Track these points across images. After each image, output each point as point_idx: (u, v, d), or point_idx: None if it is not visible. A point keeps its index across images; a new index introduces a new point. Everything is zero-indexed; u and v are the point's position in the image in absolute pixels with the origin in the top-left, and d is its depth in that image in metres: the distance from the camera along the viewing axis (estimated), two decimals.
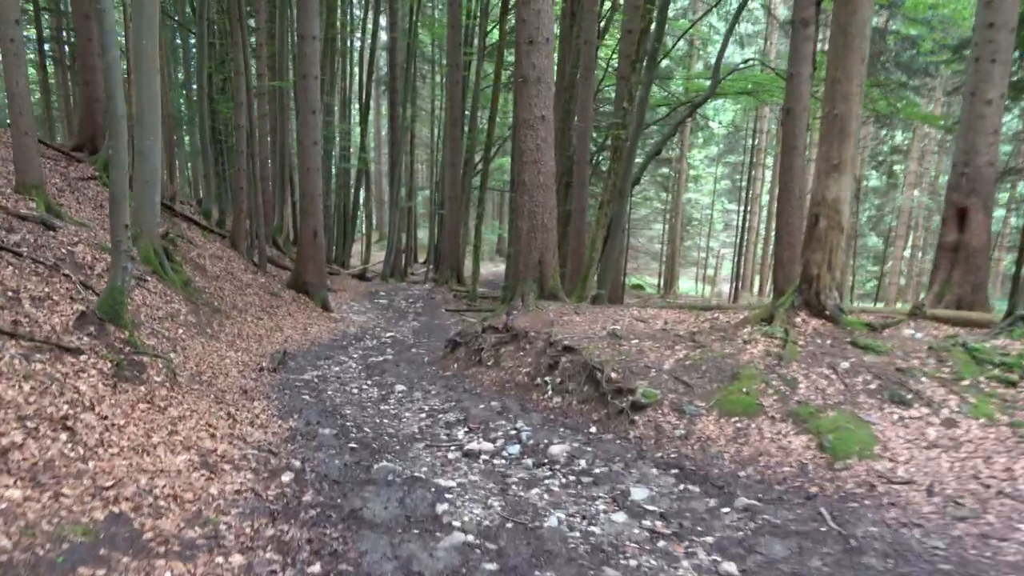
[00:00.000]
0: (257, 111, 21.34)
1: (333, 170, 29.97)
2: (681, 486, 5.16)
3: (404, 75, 28.26)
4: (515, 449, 6.18)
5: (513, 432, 6.75)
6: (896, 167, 33.92)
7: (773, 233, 35.01)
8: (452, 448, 6.28)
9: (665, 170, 32.74)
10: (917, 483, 4.76)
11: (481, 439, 6.60)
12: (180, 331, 9.98)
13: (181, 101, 27.02)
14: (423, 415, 7.65)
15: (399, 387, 9.08)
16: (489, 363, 9.46)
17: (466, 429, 7.00)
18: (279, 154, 22.95)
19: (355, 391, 9.03)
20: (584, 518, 4.62)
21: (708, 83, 18.80)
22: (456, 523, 4.38)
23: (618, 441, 6.19)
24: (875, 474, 4.93)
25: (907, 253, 35.79)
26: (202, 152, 19.61)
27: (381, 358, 11.80)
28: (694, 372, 6.70)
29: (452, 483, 5.22)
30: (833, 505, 4.67)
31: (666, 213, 33.55)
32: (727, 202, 41.13)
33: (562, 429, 6.75)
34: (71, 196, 12.66)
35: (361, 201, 33.26)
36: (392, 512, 4.49)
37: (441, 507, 4.62)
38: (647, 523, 4.54)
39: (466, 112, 25.80)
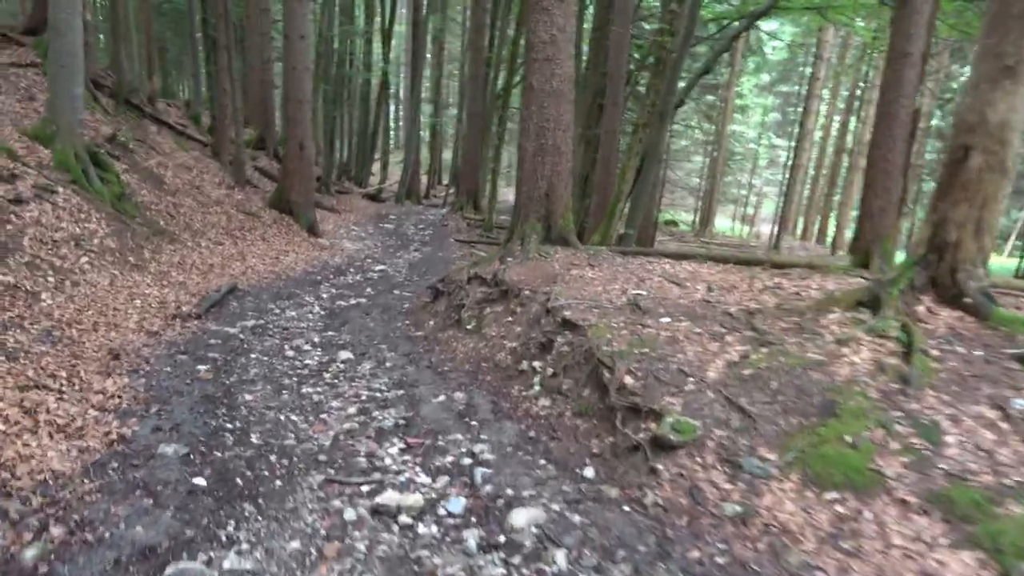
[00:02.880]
0: (259, 3, 18.45)
1: (359, 81, 27.02)
2: None
3: None
4: (458, 506, 3.66)
5: (467, 461, 4.23)
6: None
7: (823, 172, 31.49)
8: (362, 493, 3.80)
9: (710, 98, 29.09)
10: None
11: (416, 471, 4.11)
12: (83, 260, 7.55)
13: None
14: (354, 409, 5.16)
15: (344, 354, 6.59)
16: (469, 326, 6.91)
17: (402, 446, 4.51)
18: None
19: (289, 354, 6.58)
20: None
21: None
22: None
23: (627, 507, 3.62)
24: None
25: None
26: (191, 48, 16.84)
27: (353, 301, 9.33)
28: (758, 390, 4.06)
29: None
30: None
31: (707, 145, 30.09)
32: (774, 136, 37.27)
33: (542, 462, 4.20)
34: None
35: (382, 118, 30.28)
36: None
37: None
38: None
39: (497, 22, 22.49)
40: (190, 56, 17.17)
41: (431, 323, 7.70)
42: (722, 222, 34.09)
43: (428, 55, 31.34)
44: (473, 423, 4.86)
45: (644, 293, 6.19)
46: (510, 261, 7.45)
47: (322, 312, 8.62)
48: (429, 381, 5.83)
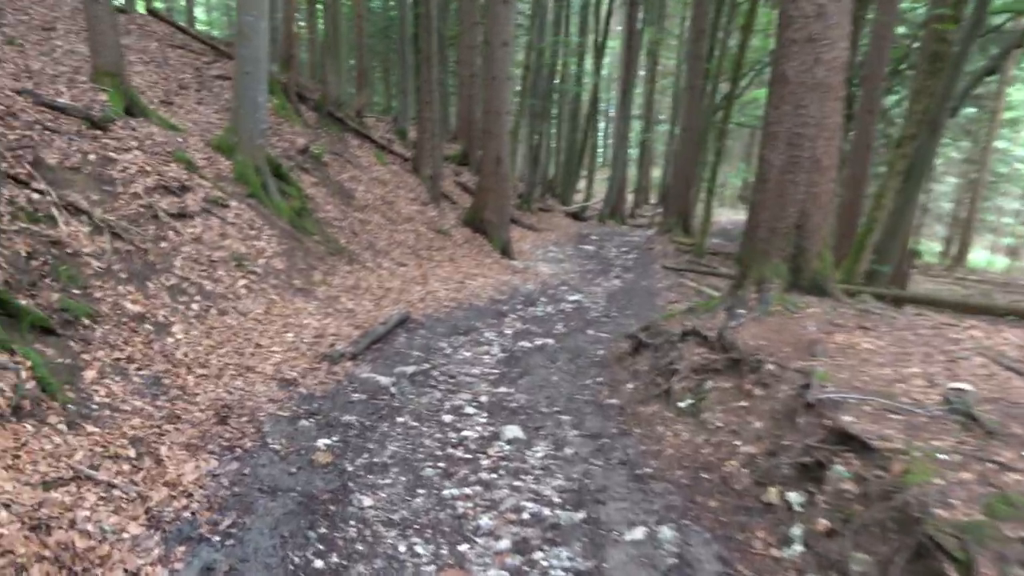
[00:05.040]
0: (471, 17, 17.69)
1: (568, 96, 25.82)
2: None
3: None
4: None
5: None
6: None
7: None
8: None
9: (970, 110, 24.23)
10: None
11: None
12: (240, 283, 6.58)
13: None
14: (508, 541, 3.38)
15: (512, 431, 4.88)
16: (682, 403, 4.91)
17: None
18: None
19: (446, 420, 5.01)
20: None
21: None
22: None
23: None
24: None
25: None
26: (400, 62, 16.37)
27: (539, 342, 7.66)
28: None
29: None
30: None
31: (964, 165, 25.08)
32: None
33: None
34: (193, 95, 9.81)
35: (591, 134, 28.76)
36: None
37: None
38: None
39: (718, 32, 20.02)
40: (400, 71, 16.70)
41: (629, 387, 5.78)
42: (977, 254, 28.39)
43: (641, 71, 29.39)
44: None
45: (969, 388, 3.83)
46: (741, 315, 5.34)
47: (501, 355, 7.04)
48: (622, 493, 3.93)
